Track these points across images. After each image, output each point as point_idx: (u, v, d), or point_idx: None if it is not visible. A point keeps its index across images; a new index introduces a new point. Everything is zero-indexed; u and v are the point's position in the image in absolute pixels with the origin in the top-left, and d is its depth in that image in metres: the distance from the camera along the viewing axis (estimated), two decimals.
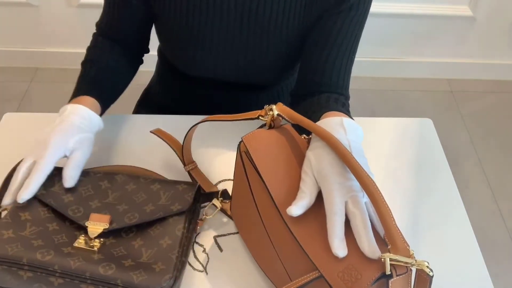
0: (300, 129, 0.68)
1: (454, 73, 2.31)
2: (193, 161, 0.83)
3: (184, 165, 0.82)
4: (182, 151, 0.81)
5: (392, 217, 0.54)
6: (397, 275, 0.52)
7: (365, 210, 0.57)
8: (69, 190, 0.72)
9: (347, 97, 0.89)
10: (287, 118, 0.67)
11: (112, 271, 0.62)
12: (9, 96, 2.12)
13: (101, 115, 0.84)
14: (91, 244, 0.66)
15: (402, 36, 2.17)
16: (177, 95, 1.11)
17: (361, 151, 0.65)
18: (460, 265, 0.76)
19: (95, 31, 0.97)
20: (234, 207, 0.75)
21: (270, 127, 0.68)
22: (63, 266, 0.63)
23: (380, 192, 0.55)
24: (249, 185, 0.66)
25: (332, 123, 0.67)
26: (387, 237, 0.53)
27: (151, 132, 0.84)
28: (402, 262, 0.51)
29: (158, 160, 0.88)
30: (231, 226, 0.78)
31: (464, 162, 1.98)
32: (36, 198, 0.71)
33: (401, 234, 0.53)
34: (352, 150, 0.63)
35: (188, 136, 0.78)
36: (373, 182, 0.55)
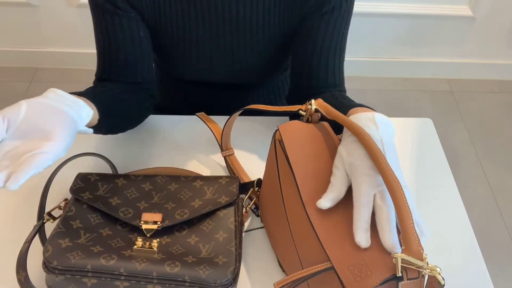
0: (335, 128, 0.69)
1: (454, 73, 2.32)
2: (231, 148, 0.85)
3: (222, 150, 0.84)
4: (222, 136, 0.83)
5: (412, 219, 0.53)
6: (408, 279, 0.51)
7: (392, 205, 0.56)
8: (115, 194, 0.73)
9: (345, 91, 0.91)
10: (324, 113, 0.68)
11: (178, 268, 0.64)
12: (9, 96, 2.12)
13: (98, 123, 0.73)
14: (151, 245, 0.67)
15: (402, 36, 2.17)
16: (174, 96, 1.12)
17: (393, 147, 0.64)
18: (460, 265, 0.76)
19: (93, 82, 0.89)
20: (262, 193, 0.76)
21: (308, 121, 0.69)
22: (129, 268, 0.63)
23: (403, 193, 0.54)
24: (278, 174, 0.67)
25: (364, 118, 0.66)
26: (403, 239, 0.53)
27: (195, 114, 0.88)
28: (413, 264, 0.51)
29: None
30: (256, 220, 0.79)
31: (464, 162, 1.98)
32: (82, 206, 0.71)
33: (418, 237, 0.52)
34: (385, 146, 0.62)
35: (229, 122, 0.81)
36: (398, 182, 0.55)
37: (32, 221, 0.74)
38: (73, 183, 0.74)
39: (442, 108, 2.20)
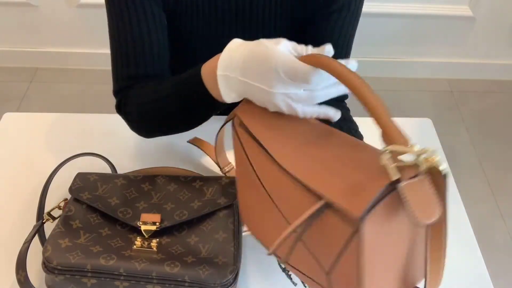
0: None
1: (454, 73, 2.31)
2: (229, 162, 0.82)
3: (220, 168, 0.81)
4: (216, 154, 0.79)
5: (387, 111, 0.47)
6: (409, 179, 0.44)
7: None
8: (113, 193, 0.73)
9: (346, 97, 0.91)
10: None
11: (177, 268, 0.64)
12: (9, 96, 2.12)
13: None
14: (150, 245, 0.67)
15: (402, 36, 2.17)
16: None
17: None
18: (460, 265, 0.76)
19: (116, 103, 0.84)
20: (239, 191, 0.70)
21: None
22: (129, 268, 0.63)
23: (369, 89, 0.49)
24: (248, 158, 0.63)
25: None
26: (384, 136, 0.47)
27: (188, 142, 0.84)
28: (403, 152, 0.45)
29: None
30: None
31: (464, 162, 1.98)
32: (82, 205, 0.71)
33: (400, 128, 0.46)
34: None
35: (219, 138, 0.77)
36: (356, 75, 0.51)
37: (31, 221, 0.74)
38: (72, 183, 0.74)
39: (442, 108, 2.20)
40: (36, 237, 0.70)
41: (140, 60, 0.80)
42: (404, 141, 0.46)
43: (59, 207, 0.72)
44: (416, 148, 0.45)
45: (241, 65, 0.61)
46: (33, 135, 0.92)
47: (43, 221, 0.71)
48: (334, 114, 0.62)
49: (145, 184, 0.75)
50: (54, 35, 2.13)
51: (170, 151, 0.90)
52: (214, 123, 0.90)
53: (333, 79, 0.56)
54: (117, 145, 0.90)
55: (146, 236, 0.68)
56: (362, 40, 2.27)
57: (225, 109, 0.74)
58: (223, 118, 0.93)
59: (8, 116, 0.96)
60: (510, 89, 2.30)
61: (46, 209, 0.73)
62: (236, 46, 0.64)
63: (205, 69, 0.68)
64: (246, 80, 0.61)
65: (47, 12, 2.05)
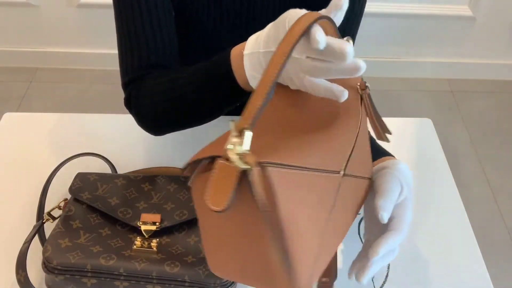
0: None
1: (454, 73, 2.32)
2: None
3: None
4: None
5: (266, 93, 0.43)
6: (226, 159, 0.41)
7: None
8: (113, 193, 0.73)
9: None
10: None
11: (177, 268, 0.64)
12: (9, 96, 2.12)
13: None
14: (150, 245, 0.67)
15: (402, 36, 2.17)
16: None
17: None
18: (460, 265, 0.76)
19: (125, 95, 0.80)
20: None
21: None
22: (129, 268, 0.64)
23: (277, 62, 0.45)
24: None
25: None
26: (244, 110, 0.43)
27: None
28: (232, 133, 0.41)
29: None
30: None
31: (464, 162, 1.98)
32: (82, 205, 0.71)
33: (253, 115, 0.42)
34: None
35: None
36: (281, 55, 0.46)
37: (31, 221, 0.74)
38: (72, 183, 0.74)
39: (442, 108, 2.20)
40: (36, 237, 0.70)
41: (151, 48, 0.77)
42: (241, 125, 0.42)
43: (59, 207, 0.72)
44: (239, 146, 0.41)
45: (264, 38, 0.59)
46: (33, 135, 0.92)
47: (43, 221, 0.71)
48: (339, 93, 0.55)
49: (145, 184, 0.75)
50: (54, 35, 2.13)
51: (170, 151, 0.90)
52: (218, 123, 0.90)
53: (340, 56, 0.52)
54: (117, 145, 0.90)
55: (146, 236, 0.68)
56: (362, 40, 2.27)
57: (232, 109, 0.74)
58: (227, 118, 0.93)
59: (8, 116, 0.96)
60: (510, 89, 2.30)
61: (46, 209, 0.73)
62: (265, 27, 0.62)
63: (235, 51, 0.65)
64: (266, 50, 0.58)
65: (47, 12, 2.05)
